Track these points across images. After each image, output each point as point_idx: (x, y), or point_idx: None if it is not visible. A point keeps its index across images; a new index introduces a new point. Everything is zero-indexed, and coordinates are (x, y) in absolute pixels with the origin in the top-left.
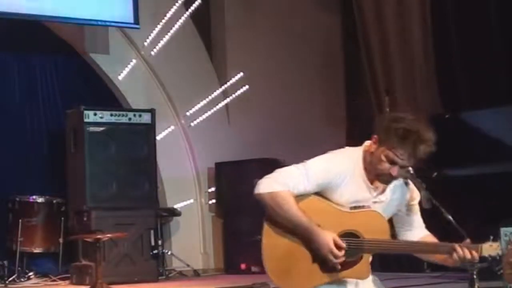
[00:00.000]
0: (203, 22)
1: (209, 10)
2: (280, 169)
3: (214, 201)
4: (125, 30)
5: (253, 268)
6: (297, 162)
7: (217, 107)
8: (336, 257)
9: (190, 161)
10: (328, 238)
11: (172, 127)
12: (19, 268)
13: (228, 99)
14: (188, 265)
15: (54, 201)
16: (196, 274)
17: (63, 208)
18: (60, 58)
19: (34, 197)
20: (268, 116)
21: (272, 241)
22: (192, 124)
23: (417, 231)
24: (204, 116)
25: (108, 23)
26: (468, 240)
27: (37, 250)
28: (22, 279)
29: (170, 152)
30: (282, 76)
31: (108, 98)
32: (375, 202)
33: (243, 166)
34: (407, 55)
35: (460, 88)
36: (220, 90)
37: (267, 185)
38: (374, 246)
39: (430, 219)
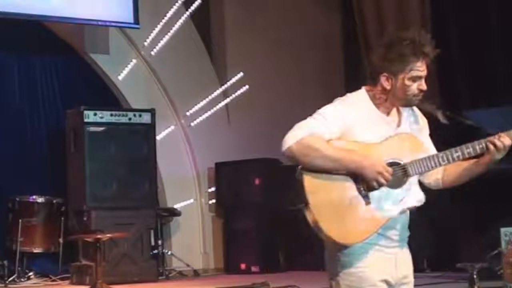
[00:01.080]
0: (203, 22)
1: (209, 10)
2: (298, 123)
3: (214, 201)
4: (125, 30)
5: (253, 268)
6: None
7: (217, 107)
8: (386, 178)
9: (190, 161)
10: (374, 160)
11: (172, 127)
12: (19, 268)
13: (228, 99)
14: (188, 265)
15: (54, 201)
16: (196, 274)
17: (63, 208)
18: (60, 58)
19: (34, 197)
20: (268, 116)
21: (318, 197)
22: (192, 124)
23: None
24: (204, 116)
25: (108, 23)
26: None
27: (37, 250)
28: (22, 279)
29: (170, 152)
30: (282, 76)
31: (108, 98)
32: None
33: (243, 166)
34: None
35: (460, 88)
36: (220, 90)
37: (292, 137)
38: (418, 166)
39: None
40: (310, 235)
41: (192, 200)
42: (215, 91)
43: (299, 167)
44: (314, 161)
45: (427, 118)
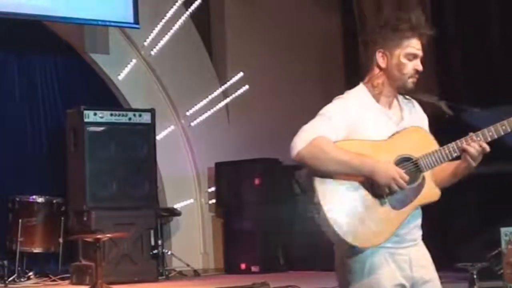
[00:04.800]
0: (203, 22)
1: (209, 10)
2: (303, 126)
3: (214, 201)
4: (125, 30)
5: (253, 268)
6: (297, 163)
7: (217, 107)
8: (399, 184)
9: (190, 161)
10: (386, 165)
11: (172, 127)
12: (19, 268)
13: (228, 99)
14: (188, 265)
15: (54, 201)
16: (196, 274)
17: (63, 208)
18: (60, 58)
19: (34, 197)
20: (268, 116)
21: (331, 202)
22: (192, 124)
23: None
24: (204, 116)
25: (108, 23)
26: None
27: (37, 250)
28: (22, 279)
29: (170, 152)
30: (282, 76)
31: (108, 98)
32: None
33: (243, 166)
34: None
35: (460, 88)
36: (220, 90)
37: (301, 141)
38: (429, 160)
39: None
40: (310, 234)
41: (192, 200)
42: (215, 91)
43: (308, 172)
44: (324, 164)
45: (429, 112)
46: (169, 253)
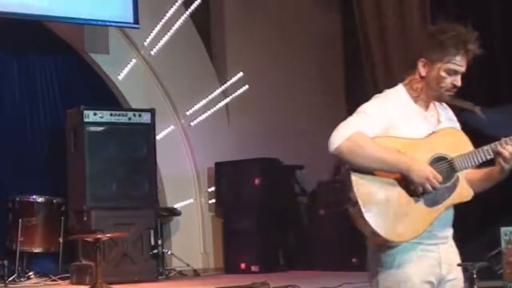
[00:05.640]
0: (203, 22)
1: (209, 9)
2: (341, 123)
3: (213, 200)
4: (125, 30)
5: (253, 268)
6: (296, 162)
7: (217, 106)
8: (433, 185)
9: (190, 160)
10: (421, 165)
11: (172, 126)
12: (19, 268)
13: (228, 99)
14: (188, 265)
15: (54, 201)
16: (196, 273)
17: (63, 208)
18: (60, 58)
19: (34, 197)
20: (268, 116)
21: (367, 197)
22: (192, 123)
23: None
24: (204, 116)
25: (108, 23)
26: None
27: (37, 250)
28: (22, 279)
29: (170, 151)
30: (282, 76)
31: (108, 98)
32: None
33: (243, 166)
34: (408, 55)
35: (460, 88)
36: (220, 89)
37: (339, 137)
38: (464, 160)
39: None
40: (310, 234)
41: (192, 200)
42: (215, 90)
43: (347, 166)
44: (361, 159)
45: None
46: (169, 253)
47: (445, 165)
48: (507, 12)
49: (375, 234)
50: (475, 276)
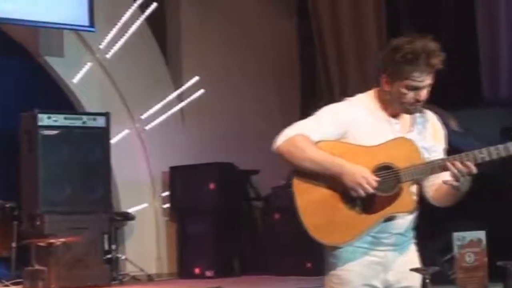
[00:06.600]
0: (158, 26)
1: (165, 13)
2: (294, 123)
3: (168, 205)
4: (80, 33)
5: (207, 273)
6: (252, 167)
7: (172, 110)
8: (365, 189)
9: (145, 165)
10: (354, 169)
11: (127, 130)
12: None
13: (183, 103)
14: (141, 270)
15: (7, 205)
16: (149, 278)
17: (16, 212)
18: (15, 60)
19: None
20: (223, 120)
21: (305, 198)
22: (146, 127)
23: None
24: (159, 120)
25: (63, 26)
26: None
27: None
28: None
29: (125, 155)
30: (237, 81)
31: (63, 101)
32: None
33: (198, 170)
34: (363, 58)
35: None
36: (175, 93)
37: (282, 136)
38: (410, 172)
39: None
40: (265, 239)
41: (146, 204)
42: (170, 94)
43: (291, 171)
44: (299, 161)
45: None
46: (123, 257)
47: (390, 174)
48: (459, 11)
49: (313, 238)
50: (427, 281)
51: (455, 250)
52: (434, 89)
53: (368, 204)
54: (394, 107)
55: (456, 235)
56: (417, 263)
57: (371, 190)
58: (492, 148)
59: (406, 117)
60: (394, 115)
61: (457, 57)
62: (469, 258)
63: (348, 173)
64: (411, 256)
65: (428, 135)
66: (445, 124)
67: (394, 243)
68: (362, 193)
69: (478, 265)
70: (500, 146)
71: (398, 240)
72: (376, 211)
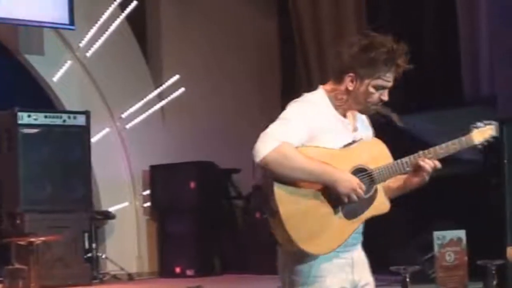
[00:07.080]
0: (139, 24)
1: (145, 12)
2: (264, 132)
3: (149, 204)
4: (60, 31)
5: (188, 272)
6: (233, 165)
7: (153, 109)
8: (358, 195)
9: (125, 163)
10: (348, 175)
11: (107, 129)
12: None
13: (163, 102)
14: (122, 269)
15: None
16: (130, 277)
17: None
18: None
19: None
20: (204, 118)
21: (288, 207)
22: (127, 126)
23: None
24: (139, 119)
25: (43, 24)
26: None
27: None
28: None
29: (105, 154)
30: (218, 79)
31: (43, 99)
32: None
33: (178, 169)
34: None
35: (394, 92)
36: (156, 92)
37: (264, 147)
38: (384, 172)
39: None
40: (246, 238)
41: (127, 203)
42: (150, 93)
43: (269, 176)
44: (289, 171)
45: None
46: (103, 256)
47: (364, 177)
48: (440, 13)
49: (295, 246)
50: (408, 280)
51: (436, 249)
52: (418, 88)
53: (349, 209)
54: (352, 107)
55: (437, 234)
56: (367, 260)
57: (363, 196)
58: (450, 143)
59: (350, 116)
60: (343, 115)
61: (439, 56)
62: (449, 257)
63: (342, 179)
64: (363, 253)
65: (365, 126)
66: (390, 120)
67: (356, 242)
68: (355, 198)
69: (458, 264)
70: (455, 141)
71: (358, 239)
72: (357, 215)
